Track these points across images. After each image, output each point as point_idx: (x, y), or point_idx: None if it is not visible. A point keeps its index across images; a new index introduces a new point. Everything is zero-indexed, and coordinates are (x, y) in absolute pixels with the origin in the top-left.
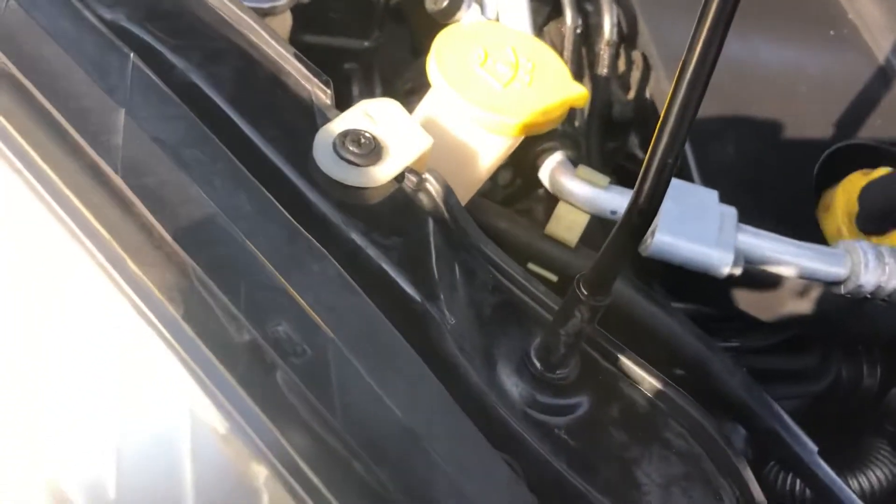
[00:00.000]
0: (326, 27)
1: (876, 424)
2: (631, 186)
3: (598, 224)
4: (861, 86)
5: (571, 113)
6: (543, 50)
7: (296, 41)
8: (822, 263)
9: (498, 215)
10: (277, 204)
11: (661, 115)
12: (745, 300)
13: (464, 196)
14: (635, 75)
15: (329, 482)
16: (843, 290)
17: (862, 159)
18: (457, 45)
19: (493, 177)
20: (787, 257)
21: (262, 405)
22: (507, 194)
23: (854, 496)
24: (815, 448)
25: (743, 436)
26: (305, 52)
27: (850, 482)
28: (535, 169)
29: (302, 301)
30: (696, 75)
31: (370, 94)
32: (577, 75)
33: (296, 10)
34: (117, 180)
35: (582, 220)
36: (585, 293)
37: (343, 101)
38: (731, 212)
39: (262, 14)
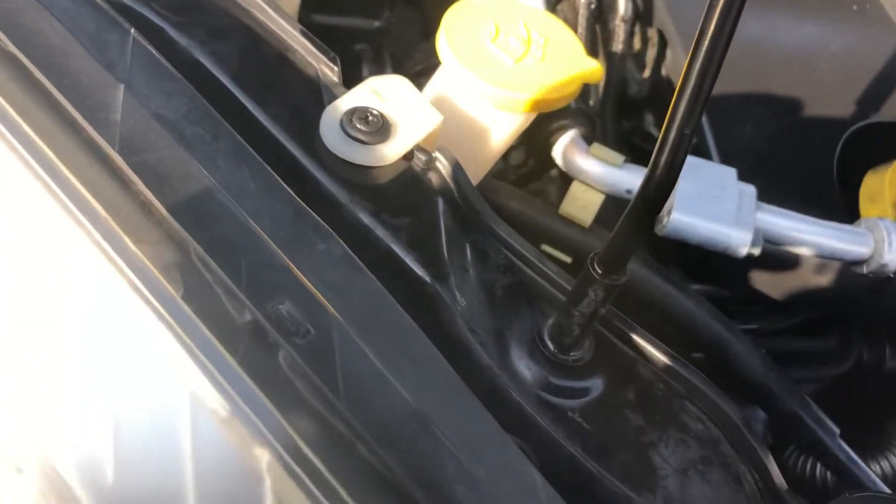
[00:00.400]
0: (336, 7)
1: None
2: (647, 165)
3: (614, 204)
4: (884, 62)
5: (586, 92)
6: (556, 25)
7: (305, 21)
8: (845, 242)
9: (510, 196)
10: (282, 182)
11: (679, 82)
12: (764, 281)
13: (475, 175)
14: (651, 53)
15: (333, 466)
16: (865, 269)
17: (885, 138)
18: (467, 20)
19: (506, 157)
20: (808, 236)
21: (263, 387)
22: (519, 175)
23: (877, 479)
24: (836, 430)
25: (762, 419)
26: (315, 32)
27: (872, 466)
28: (549, 148)
29: (306, 280)
30: (716, 38)
31: (380, 74)
32: (592, 52)
33: None
34: (115, 157)
35: (597, 200)
36: (600, 272)
37: (353, 83)
38: (751, 190)
39: None
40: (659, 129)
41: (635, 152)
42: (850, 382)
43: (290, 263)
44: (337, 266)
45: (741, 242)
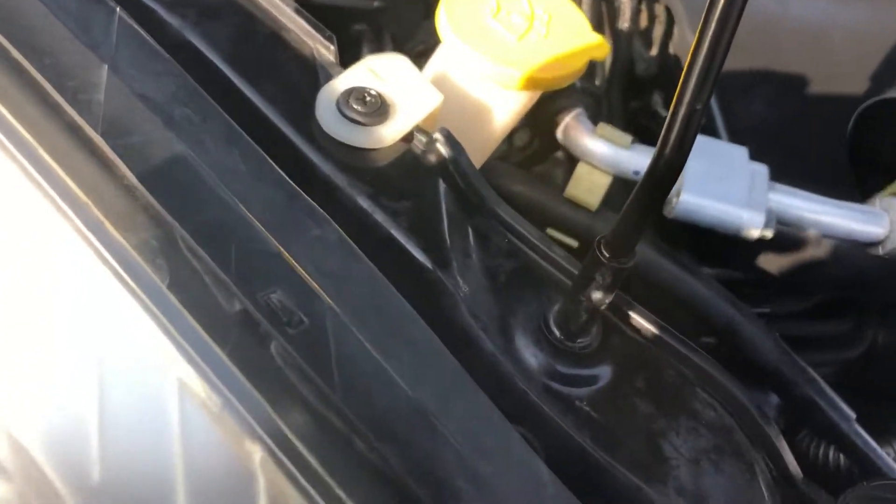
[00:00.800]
0: None
1: None
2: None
3: (621, 186)
4: None
5: (591, 71)
6: (561, 1)
7: (301, 1)
8: (860, 222)
9: (514, 178)
10: (274, 165)
11: (689, 56)
12: (777, 263)
13: (478, 157)
14: (658, 31)
15: (328, 462)
16: (881, 250)
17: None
18: None
19: (510, 138)
20: (823, 217)
21: (255, 380)
22: (524, 157)
23: (893, 464)
24: (852, 415)
25: (775, 405)
26: (312, 12)
27: (887, 451)
28: (553, 128)
29: (299, 267)
30: (728, 8)
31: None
32: (597, 30)
33: None
34: (98, 140)
35: (603, 182)
36: (607, 255)
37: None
38: (762, 169)
39: None
40: (667, 108)
41: (642, 133)
42: (865, 366)
43: (283, 250)
44: (332, 252)
45: (753, 224)
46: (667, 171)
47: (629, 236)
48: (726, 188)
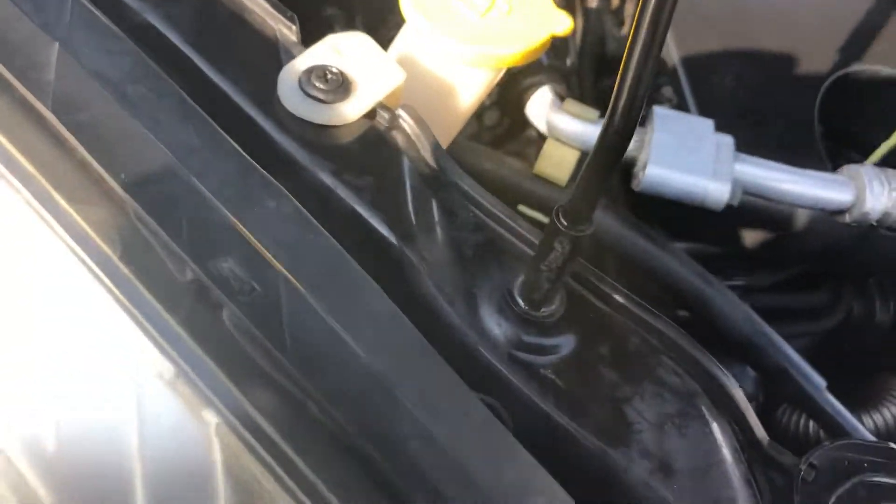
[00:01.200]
0: None
1: (891, 361)
2: None
3: None
4: (866, 9)
5: (563, 50)
6: None
7: None
8: (826, 190)
9: (484, 157)
10: (230, 140)
11: (633, 22)
12: (749, 236)
13: (446, 135)
14: (629, 8)
15: (282, 428)
16: (848, 218)
17: (867, 87)
18: None
19: (480, 118)
20: (789, 185)
21: (207, 348)
22: (495, 135)
23: (863, 429)
24: (823, 383)
25: (752, 377)
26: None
27: (865, 420)
28: (522, 106)
29: (252, 237)
30: None
31: None
32: (568, 9)
33: None
34: (49, 115)
35: (571, 157)
36: (565, 224)
37: None
38: (728, 140)
39: None
40: None
41: None
42: (842, 336)
43: (236, 221)
44: (287, 224)
45: (719, 194)
46: (616, 139)
47: (586, 204)
48: (692, 160)
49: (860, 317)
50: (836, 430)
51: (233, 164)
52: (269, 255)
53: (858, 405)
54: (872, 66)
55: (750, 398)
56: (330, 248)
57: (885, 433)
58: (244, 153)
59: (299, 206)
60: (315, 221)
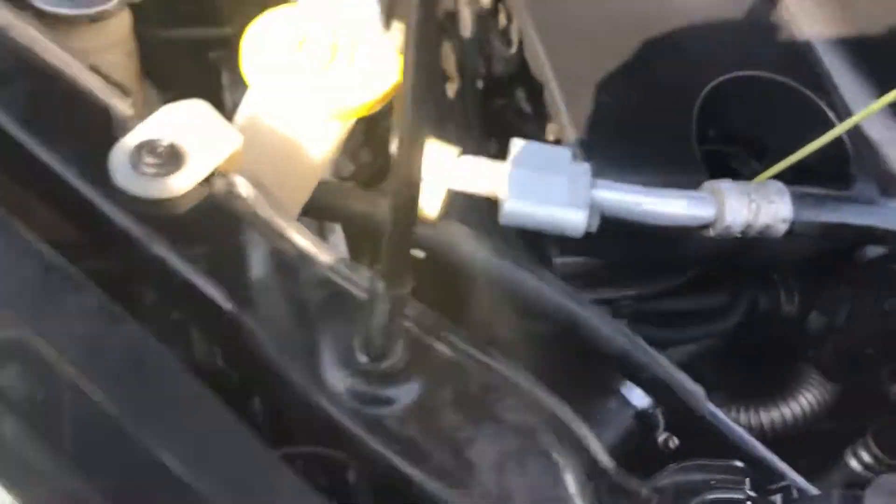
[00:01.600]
0: (181, 19)
1: (801, 350)
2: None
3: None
4: (743, 14)
5: (447, 79)
6: (367, 27)
7: (148, 37)
8: (687, 208)
9: (356, 199)
10: (28, 236)
11: (397, 102)
12: (634, 251)
13: (301, 189)
14: (517, 27)
15: None
16: (712, 232)
17: (747, 92)
18: (272, 31)
19: (356, 157)
20: (649, 207)
21: None
22: (373, 172)
23: (744, 434)
24: (701, 392)
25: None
26: (164, 48)
27: (783, 409)
28: (388, 144)
29: (41, 341)
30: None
31: (242, 80)
32: (440, 42)
33: (138, 8)
34: None
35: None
36: (383, 287)
37: (214, 92)
38: (584, 168)
39: (93, 20)
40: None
41: (510, 131)
42: (750, 332)
43: (24, 326)
44: (89, 318)
45: (575, 222)
46: (405, 205)
47: (398, 268)
48: (548, 190)
49: (767, 311)
50: (717, 438)
51: (32, 263)
52: (61, 359)
53: (776, 396)
54: (752, 70)
55: (645, 414)
56: (135, 338)
57: (802, 420)
58: (43, 248)
59: (103, 297)
60: (121, 311)
